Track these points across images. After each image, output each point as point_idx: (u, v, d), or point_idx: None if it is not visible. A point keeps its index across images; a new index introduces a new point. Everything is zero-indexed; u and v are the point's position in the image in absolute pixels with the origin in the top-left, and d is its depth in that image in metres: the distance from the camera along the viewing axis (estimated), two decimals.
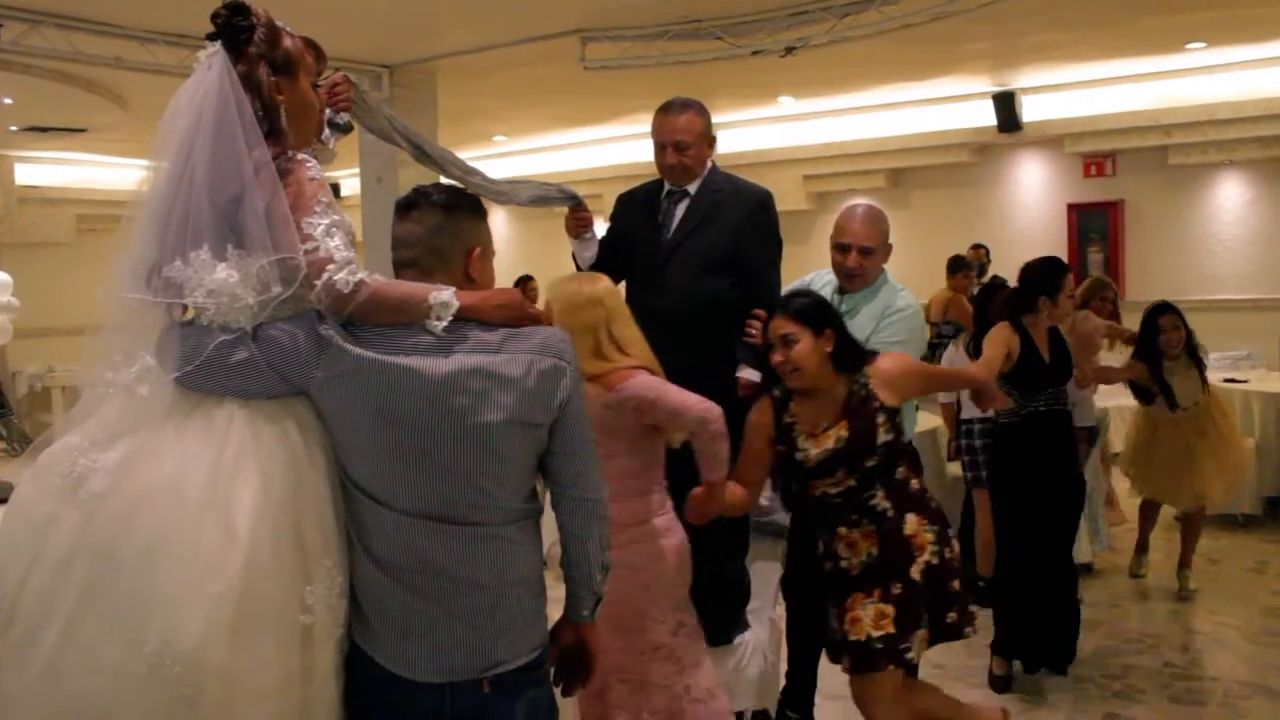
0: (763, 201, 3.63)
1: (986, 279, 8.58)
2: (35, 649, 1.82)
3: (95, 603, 1.81)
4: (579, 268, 3.74)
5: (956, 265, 8.71)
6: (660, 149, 3.59)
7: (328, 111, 2.58)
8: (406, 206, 2.08)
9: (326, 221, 1.98)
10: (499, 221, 13.43)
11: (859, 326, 3.65)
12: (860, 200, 4.05)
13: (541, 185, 3.30)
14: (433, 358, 1.94)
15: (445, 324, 1.96)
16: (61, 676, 1.80)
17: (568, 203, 3.45)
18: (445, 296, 1.96)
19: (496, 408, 1.95)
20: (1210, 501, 5.75)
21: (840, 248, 3.65)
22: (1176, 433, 5.61)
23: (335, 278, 1.93)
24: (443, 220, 2.06)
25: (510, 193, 3.12)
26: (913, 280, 9.08)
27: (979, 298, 5.91)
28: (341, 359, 1.93)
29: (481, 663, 1.97)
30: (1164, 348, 5.49)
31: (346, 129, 2.75)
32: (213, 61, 2.02)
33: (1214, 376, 6.24)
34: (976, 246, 9.65)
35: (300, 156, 2.07)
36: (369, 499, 1.96)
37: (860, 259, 3.63)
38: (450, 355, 1.95)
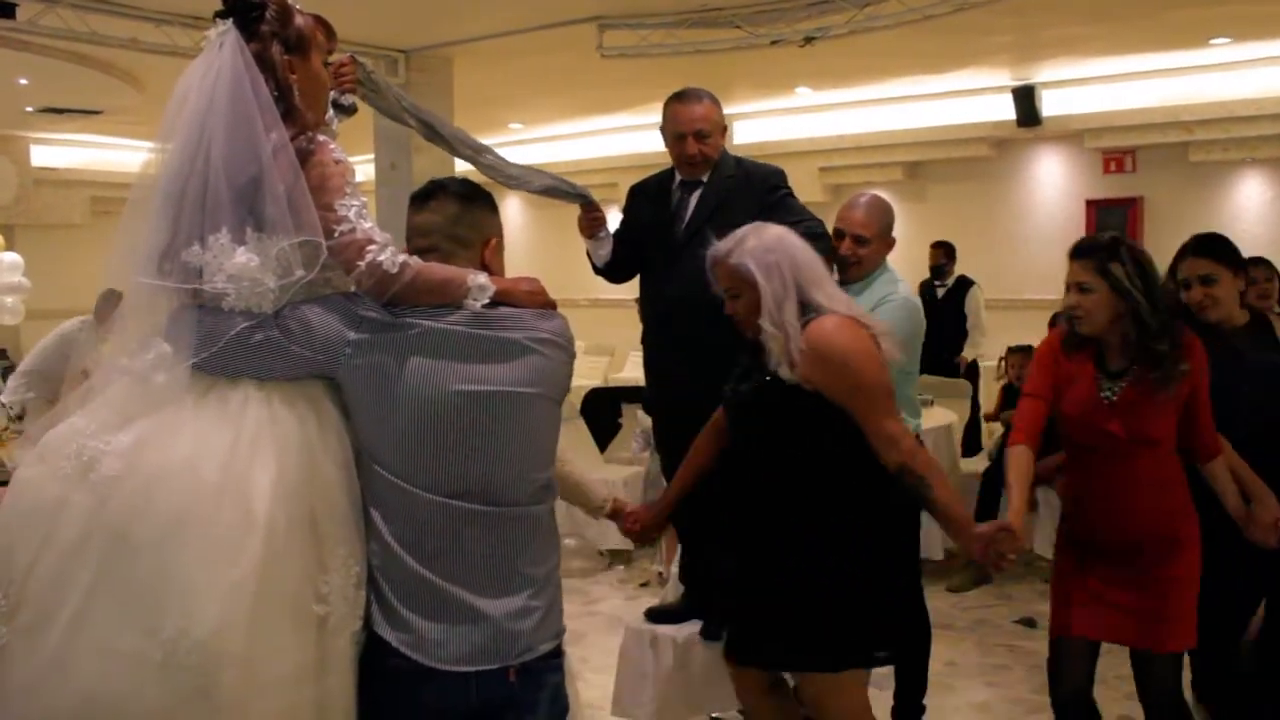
0: (774, 182, 3.57)
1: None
2: (44, 636, 1.78)
3: (109, 587, 1.77)
4: (594, 266, 3.70)
5: None
6: (679, 138, 3.50)
7: (332, 93, 2.56)
8: (424, 197, 2.12)
9: (358, 204, 1.98)
10: (512, 209, 13.37)
11: None
12: (871, 190, 3.99)
13: (554, 177, 3.25)
14: (474, 329, 1.97)
15: (481, 305, 1.99)
16: (72, 664, 1.77)
17: (578, 200, 3.40)
18: (482, 280, 2.00)
19: (533, 381, 2.00)
20: None
21: (836, 234, 3.62)
22: None
23: (380, 258, 1.93)
24: (461, 210, 2.10)
25: (521, 177, 3.08)
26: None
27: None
28: (391, 334, 1.94)
29: (511, 649, 1.96)
30: None
31: (351, 110, 2.71)
32: (224, 40, 1.99)
33: None
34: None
35: (321, 138, 2.05)
36: (400, 481, 1.94)
37: (854, 246, 3.59)
38: (488, 329, 1.98)
